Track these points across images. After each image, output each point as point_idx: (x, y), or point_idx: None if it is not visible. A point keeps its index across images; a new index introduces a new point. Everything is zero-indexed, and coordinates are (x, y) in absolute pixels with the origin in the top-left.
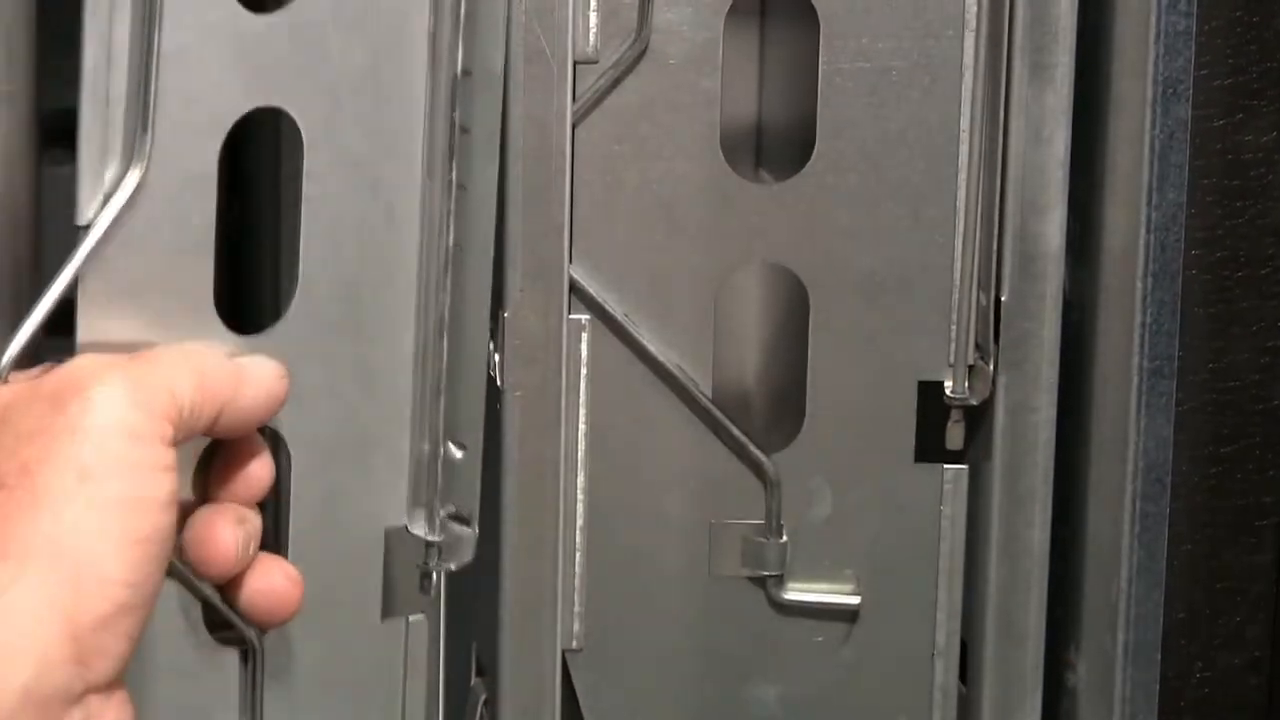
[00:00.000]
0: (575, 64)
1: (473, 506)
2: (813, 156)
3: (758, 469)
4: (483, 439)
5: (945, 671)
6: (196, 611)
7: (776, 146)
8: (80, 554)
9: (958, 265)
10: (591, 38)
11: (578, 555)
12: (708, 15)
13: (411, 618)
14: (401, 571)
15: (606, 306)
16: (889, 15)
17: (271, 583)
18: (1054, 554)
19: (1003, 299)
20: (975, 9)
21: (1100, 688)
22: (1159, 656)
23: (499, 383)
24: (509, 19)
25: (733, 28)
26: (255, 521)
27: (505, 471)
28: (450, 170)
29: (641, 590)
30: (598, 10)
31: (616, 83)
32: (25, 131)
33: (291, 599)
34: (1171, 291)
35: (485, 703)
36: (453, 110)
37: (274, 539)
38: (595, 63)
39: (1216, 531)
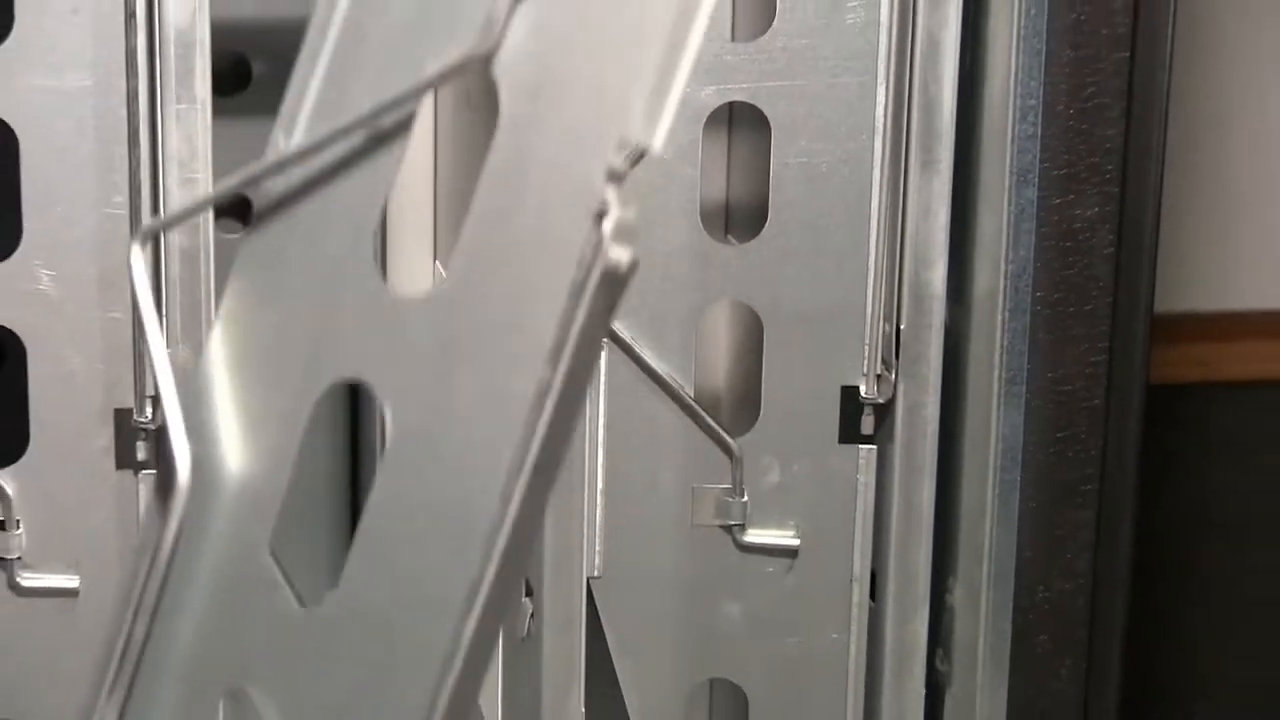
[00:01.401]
0: None
1: None
2: (766, 225)
3: (726, 448)
4: None
5: (860, 593)
6: None
7: (741, 218)
8: None
9: (869, 304)
10: None
11: (599, 510)
12: (690, 123)
13: None
14: None
15: (617, 332)
16: (822, 124)
17: None
18: (938, 510)
19: (901, 328)
20: (883, 120)
21: (971, 605)
22: (1013, 583)
23: None
24: None
25: (708, 132)
26: None
27: None
28: None
29: (644, 534)
30: None
31: None
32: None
33: None
34: (1023, 323)
35: (532, 615)
36: None
37: None
38: None
39: (1054, 494)
